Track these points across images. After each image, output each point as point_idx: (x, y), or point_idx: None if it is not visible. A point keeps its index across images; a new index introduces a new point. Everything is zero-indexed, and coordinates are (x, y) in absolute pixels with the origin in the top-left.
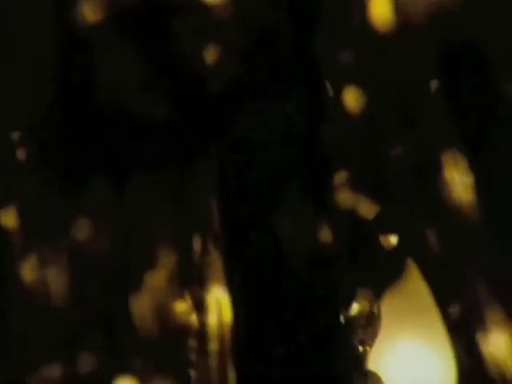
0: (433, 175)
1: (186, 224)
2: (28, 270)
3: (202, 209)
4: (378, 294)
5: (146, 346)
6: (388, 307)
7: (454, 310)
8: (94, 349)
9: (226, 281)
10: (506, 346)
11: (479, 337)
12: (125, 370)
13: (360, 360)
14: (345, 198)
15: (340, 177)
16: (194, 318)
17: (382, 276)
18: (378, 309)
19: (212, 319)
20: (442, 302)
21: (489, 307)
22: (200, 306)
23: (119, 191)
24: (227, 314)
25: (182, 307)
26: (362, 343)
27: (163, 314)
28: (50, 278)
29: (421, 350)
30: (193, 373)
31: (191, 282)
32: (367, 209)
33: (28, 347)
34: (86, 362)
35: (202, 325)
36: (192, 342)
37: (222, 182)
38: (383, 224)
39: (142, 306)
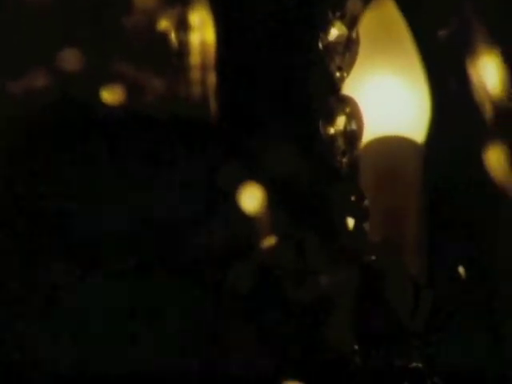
0: None
1: None
2: None
3: None
4: (355, 17)
5: (133, 52)
6: (363, 36)
7: (443, 34)
8: (81, 46)
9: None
10: (494, 69)
11: (468, 61)
12: (112, 73)
13: (336, 86)
14: None
15: None
16: (175, 37)
17: None
18: (357, 35)
19: (194, 38)
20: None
21: (478, 31)
22: (183, 25)
23: None
24: (210, 35)
25: (164, 24)
26: (340, 69)
27: (149, 28)
28: None
29: (396, 80)
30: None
31: None
32: None
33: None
34: (73, 61)
35: (184, 43)
36: (173, 60)
37: None
38: None
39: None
